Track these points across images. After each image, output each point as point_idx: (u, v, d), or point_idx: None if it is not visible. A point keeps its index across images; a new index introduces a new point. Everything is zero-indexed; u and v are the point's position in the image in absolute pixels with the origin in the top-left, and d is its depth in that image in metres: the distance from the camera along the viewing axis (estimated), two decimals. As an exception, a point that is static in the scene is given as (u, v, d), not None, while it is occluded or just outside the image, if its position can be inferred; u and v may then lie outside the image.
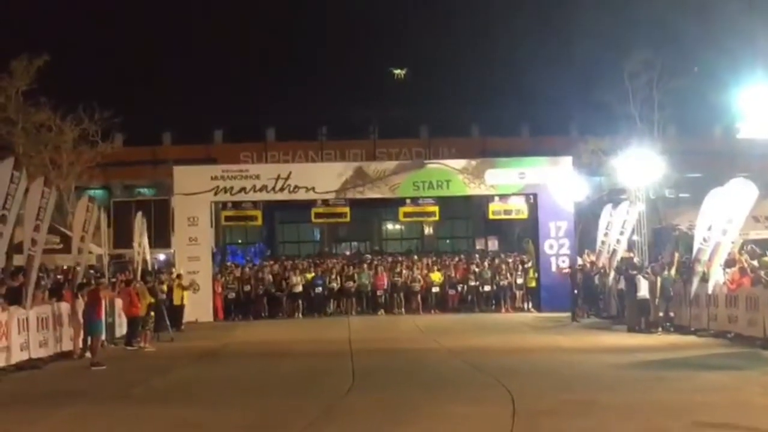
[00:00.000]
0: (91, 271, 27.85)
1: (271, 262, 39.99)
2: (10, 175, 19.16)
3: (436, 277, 36.16)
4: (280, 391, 16.19)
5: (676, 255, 27.48)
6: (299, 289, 35.14)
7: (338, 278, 36.09)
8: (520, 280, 35.59)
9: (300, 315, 34.81)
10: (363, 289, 35.75)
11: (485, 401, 14.32)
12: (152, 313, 25.54)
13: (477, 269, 36.56)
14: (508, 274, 35.88)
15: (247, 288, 35.21)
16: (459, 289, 36.50)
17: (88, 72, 53.14)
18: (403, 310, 35.29)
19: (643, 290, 25.90)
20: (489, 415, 13.15)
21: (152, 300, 25.58)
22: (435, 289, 35.87)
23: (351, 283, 35.74)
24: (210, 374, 19.51)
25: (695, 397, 14.02)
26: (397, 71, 68.90)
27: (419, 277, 36.08)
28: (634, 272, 26.94)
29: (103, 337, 23.62)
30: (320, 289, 35.55)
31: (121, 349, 24.31)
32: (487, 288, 35.78)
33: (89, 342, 21.63)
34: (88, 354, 21.54)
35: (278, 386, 16.88)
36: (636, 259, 29.68)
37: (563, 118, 54.54)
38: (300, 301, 35.20)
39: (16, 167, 19.51)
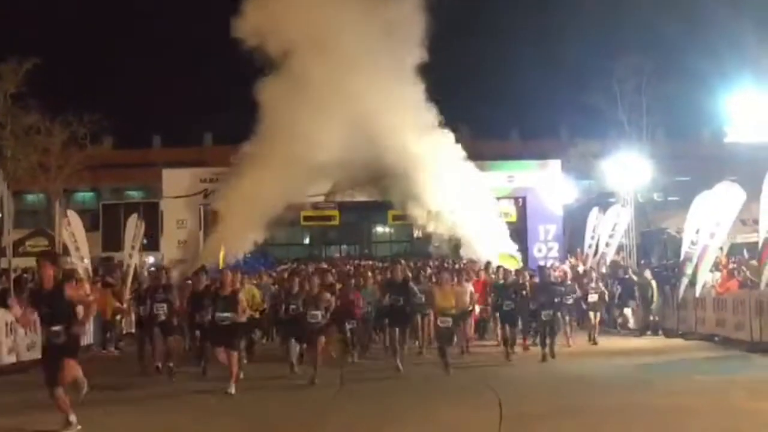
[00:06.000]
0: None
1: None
2: (-10, 179, 19.17)
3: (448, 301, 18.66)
4: (269, 396, 16.16)
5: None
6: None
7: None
8: (593, 297, 24.62)
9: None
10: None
11: (473, 406, 14.32)
12: (118, 317, 25.33)
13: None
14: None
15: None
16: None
17: (77, 75, 53.22)
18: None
19: (629, 295, 26.12)
20: (476, 419, 13.16)
21: (119, 304, 25.26)
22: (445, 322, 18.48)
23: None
24: (198, 380, 19.25)
25: (681, 401, 14.03)
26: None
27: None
28: (625, 276, 27.05)
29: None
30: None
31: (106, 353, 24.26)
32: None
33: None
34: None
35: (267, 391, 16.84)
36: (623, 263, 29.77)
37: (552, 122, 54.83)
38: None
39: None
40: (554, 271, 24.55)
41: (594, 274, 26.06)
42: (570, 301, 23.15)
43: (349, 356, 20.65)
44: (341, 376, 18.23)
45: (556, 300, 21.28)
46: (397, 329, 19.45)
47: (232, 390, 15.83)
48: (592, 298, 24.50)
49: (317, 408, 14.55)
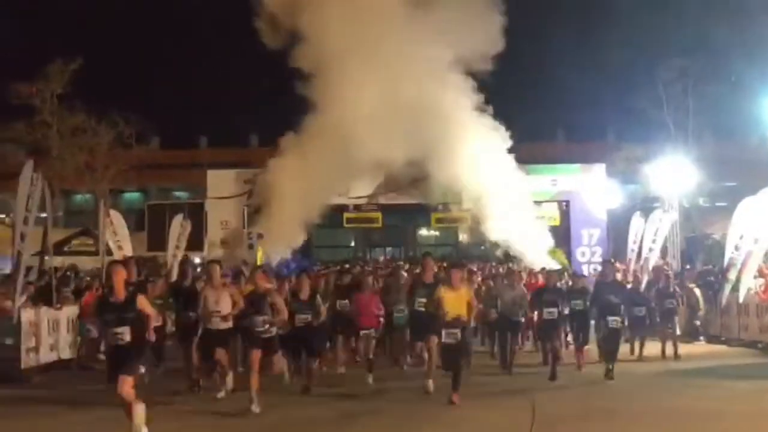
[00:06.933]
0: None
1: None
2: (30, 177, 19.41)
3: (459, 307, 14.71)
4: (296, 399, 15.89)
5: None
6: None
7: None
8: (671, 304, 22.26)
9: None
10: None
11: (506, 408, 14.30)
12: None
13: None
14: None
15: None
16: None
17: (124, 75, 53.58)
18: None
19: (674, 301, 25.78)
20: (509, 421, 13.15)
21: None
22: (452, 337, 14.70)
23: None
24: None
25: (714, 406, 13.96)
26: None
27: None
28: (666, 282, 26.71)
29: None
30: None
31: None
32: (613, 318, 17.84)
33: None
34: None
35: (293, 394, 16.33)
36: (668, 269, 29.43)
37: (598, 124, 54.24)
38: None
39: (35, 169, 19.76)
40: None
41: (671, 278, 23.67)
42: (642, 313, 21.01)
43: (368, 376, 17.43)
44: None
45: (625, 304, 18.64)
46: (419, 342, 16.67)
47: None
48: (670, 304, 22.21)
49: (348, 408, 14.58)
